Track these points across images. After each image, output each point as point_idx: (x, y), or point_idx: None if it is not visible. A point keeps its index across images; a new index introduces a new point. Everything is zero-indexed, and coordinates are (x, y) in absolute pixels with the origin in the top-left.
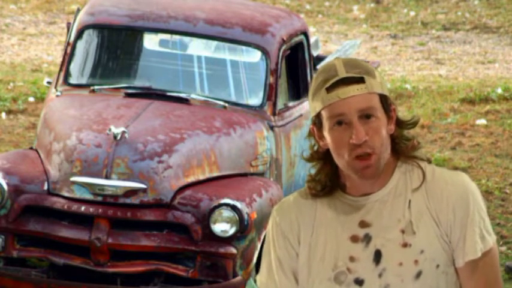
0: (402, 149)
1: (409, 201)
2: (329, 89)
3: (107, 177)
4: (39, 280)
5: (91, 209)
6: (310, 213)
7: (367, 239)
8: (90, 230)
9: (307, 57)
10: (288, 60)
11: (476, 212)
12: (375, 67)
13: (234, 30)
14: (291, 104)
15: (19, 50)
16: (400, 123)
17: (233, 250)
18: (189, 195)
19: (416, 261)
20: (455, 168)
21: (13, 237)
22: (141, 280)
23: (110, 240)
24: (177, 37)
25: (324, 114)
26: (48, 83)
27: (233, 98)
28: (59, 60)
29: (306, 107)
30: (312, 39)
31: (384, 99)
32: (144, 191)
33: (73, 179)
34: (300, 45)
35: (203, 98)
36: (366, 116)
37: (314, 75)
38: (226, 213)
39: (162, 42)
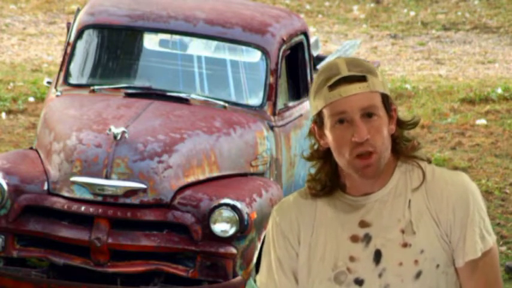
0: (402, 149)
1: (409, 201)
2: (331, 87)
3: (107, 177)
4: (39, 280)
5: (91, 209)
6: (310, 213)
7: (367, 239)
8: (90, 230)
9: (307, 57)
10: (288, 60)
11: (476, 212)
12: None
13: (234, 30)
14: (291, 104)
15: (19, 50)
16: (401, 124)
17: (233, 250)
18: (189, 195)
19: (416, 261)
20: (455, 168)
21: (13, 237)
22: (141, 280)
23: (110, 240)
24: (177, 37)
25: (325, 112)
26: (48, 83)
27: (233, 98)
28: (59, 60)
29: (306, 107)
30: (312, 39)
31: (385, 99)
32: (144, 191)
33: (73, 179)
34: (300, 45)
35: (203, 98)
36: (367, 114)
37: (316, 74)
38: (226, 213)
39: (162, 42)
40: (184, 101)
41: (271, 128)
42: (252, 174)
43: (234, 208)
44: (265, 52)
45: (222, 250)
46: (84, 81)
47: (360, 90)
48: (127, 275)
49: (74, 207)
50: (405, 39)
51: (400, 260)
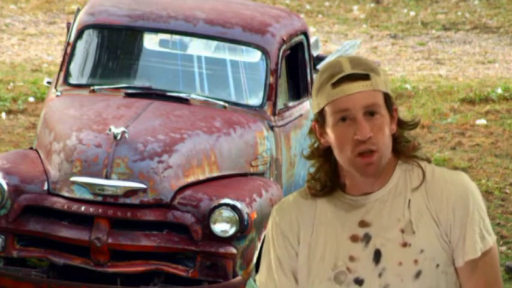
0: (403, 149)
1: (409, 200)
2: (334, 85)
3: (107, 177)
4: (39, 280)
5: (91, 209)
6: (310, 213)
7: (367, 238)
8: (90, 230)
9: (307, 57)
10: (288, 60)
11: (476, 212)
12: None
13: (234, 30)
14: (291, 104)
15: (19, 50)
16: (402, 124)
17: (233, 250)
18: (189, 195)
19: (416, 261)
20: (455, 168)
21: (13, 237)
22: (141, 280)
23: (110, 240)
24: (177, 37)
25: (328, 110)
26: (48, 83)
27: (233, 98)
28: (59, 60)
29: (306, 107)
30: (312, 39)
31: (387, 98)
32: (144, 191)
33: (73, 179)
34: (300, 45)
35: (203, 98)
36: (370, 113)
37: (318, 72)
38: (226, 213)
39: (162, 42)
40: (184, 101)
41: (271, 128)
42: (252, 174)
43: (234, 208)
44: (265, 52)
45: (222, 250)
46: (84, 81)
47: (363, 89)
48: (127, 275)
49: (74, 207)
50: (405, 39)
51: (400, 259)
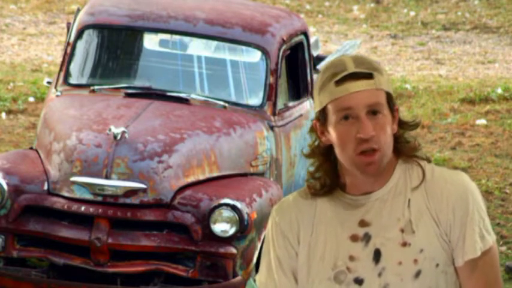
0: (403, 149)
1: (409, 200)
2: (338, 83)
3: (107, 177)
4: (39, 280)
5: (91, 209)
6: (310, 213)
7: (367, 238)
8: (90, 230)
9: (307, 57)
10: (288, 60)
11: (476, 211)
12: None
13: (234, 30)
14: (291, 104)
15: (19, 50)
16: (402, 124)
17: (233, 250)
18: (189, 195)
19: (415, 261)
20: (455, 168)
21: (13, 237)
22: (141, 280)
23: (110, 240)
24: (177, 37)
25: (330, 108)
26: (48, 83)
27: (233, 98)
28: (59, 60)
29: (306, 107)
30: (312, 39)
31: (389, 98)
32: (144, 191)
33: (73, 179)
34: (300, 45)
35: (203, 98)
36: (372, 112)
37: (321, 71)
38: (226, 213)
39: (162, 42)
40: (184, 101)
41: (271, 128)
42: (252, 174)
43: (234, 208)
44: (265, 52)
45: (222, 250)
46: (84, 81)
47: (367, 87)
48: (127, 275)
49: (74, 207)
50: (405, 39)
51: (400, 259)
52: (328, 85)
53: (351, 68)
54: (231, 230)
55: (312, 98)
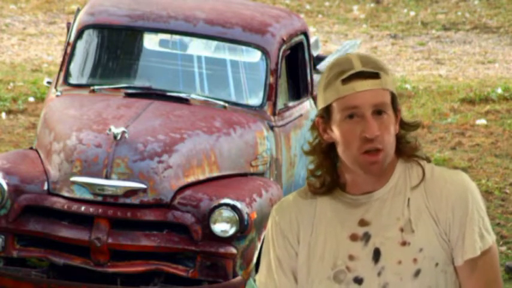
0: (404, 149)
1: (408, 199)
2: (345, 81)
3: (107, 177)
4: (39, 280)
5: (91, 209)
6: (310, 213)
7: (366, 237)
8: (90, 230)
9: (307, 57)
10: (288, 60)
11: (476, 211)
12: None
13: (234, 30)
14: (291, 104)
15: (19, 50)
16: (404, 125)
17: (233, 250)
18: (189, 195)
19: (415, 260)
20: (455, 168)
21: (13, 237)
22: (141, 280)
23: (110, 240)
24: (177, 37)
25: (335, 106)
26: (48, 83)
27: (233, 98)
28: (59, 60)
29: (306, 107)
30: (312, 39)
31: (393, 98)
32: (144, 191)
33: (73, 179)
34: (300, 45)
35: (203, 98)
36: (377, 111)
37: (326, 68)
38: (226, 213)
39: (162, 42)
40: (184, 101)
41: (271, 128)
42: (252, 174)
43: (234, 208)
44: (265, 52)
45: (222, 250)
46: (84, 81)
47: (373, 87)
48: (127, 275)
49: (74, 207)
50: (405, 39)
51: (399, 258)
52: (334, 83)
53: (358, 67)
54: (231, 230)
55: (312, 98)
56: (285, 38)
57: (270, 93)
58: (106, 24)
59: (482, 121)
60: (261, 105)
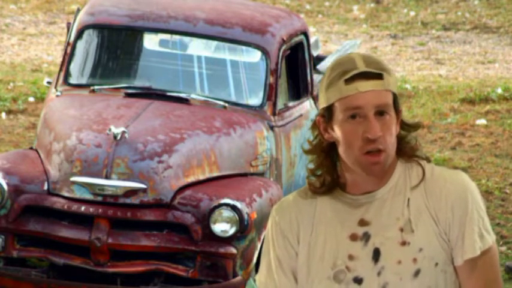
0: (404, 149)
1: (408, 199)
2: (348, 81)
3: (107, 177)
4: (39, 280)
5: (91, 209)
6: (310, 212)
7: (366, 237)
8: (90, 230)
9: (307, 57)
10: (288, 60)
11: (475, 211)
12: None
13: (234, 30)
14: (291, 104)
15: (19, 50)
16: (404, 126)
17: (233, 250)
18: (189, 195)
19: (415, 260)
20: (455, 168)
21: (13, 237)
22: (141, 280)
23: (110, 240)
24: (177, 37)
25: (338, 105)
26: (48, 83)
27: (233, 98)
28: (59, 60)
29: (306, 107)
30: (312, 39)
31: (395, 99)
32: (144, 191)
33: (73, 179)
34: (300, 45)
35: (203, 98)
36: (380, 112)
37: (328, 67)
38: (226, 213)
39: (162, 42)
40: (184, 101)
41: (271, 128)
42: (252, 174)
43: (234, 208)
44: (265, 52)
45: (222, 250)
46: (84, 81)
47: (376, 88)
48: (127, 275)
49: (74, 207)
50: (405, 39)
51: (399, 258)
52: (337, 83)
53: (362, 67)
54: (231, 230)
55: (312, 98)
56: (285, 38)
57: (270, 93)
58: (106, 24)
59: (482, 121)
60: (261, 105)
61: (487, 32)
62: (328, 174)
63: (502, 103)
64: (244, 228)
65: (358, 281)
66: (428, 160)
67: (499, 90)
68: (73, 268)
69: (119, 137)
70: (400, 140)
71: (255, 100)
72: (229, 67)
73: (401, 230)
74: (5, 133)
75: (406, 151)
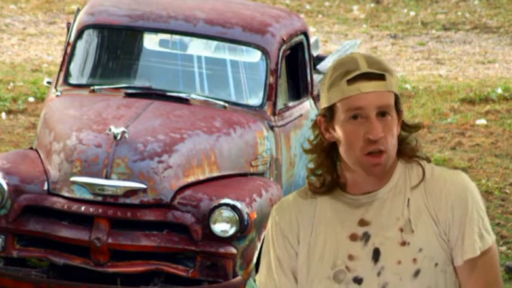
0: (405, 150)
1: (408, 199)
2: (350, 82)
3: (107, 177)
4: (39, 280)
5: (91, 209)
6: (310, 212)
7: (366, 237)
8: (90, 230)
9: (307, 57)
10: (288, 60)
11: (475, 211)
12: None
13: (234, 30)
14: (291, 104)
15: (19, 50)
16: (405, 126)
17: (233, 250)
18: (189, 195)
19: (414, 260)
20: (455, 168)
21: (13, 237)
22: (141, 280)
23: (110, 240)
24: (177, 37)
25: (340, 106)
26: (48, 83)
27: (233, 98)
28: (59, 60)
29: (306, 107)
30: (312, 39)
31: (397, 99)
32: (144, 191)
33: (73, 179)
34: (300, 45)
35: (203, 98)
36: (382, 113)
37: (330, 67)
38: (226, 213)
39: (162, 42)
40: (184, 101)
41: (271, 128)
42: (252, 174)
43: (234, 208)
44: (265, 52)
45: (222, 250)
46: (84, 81)
47: (378, 89)
48: (127, 275)
49: (74, 207)
50: (405, 39)
51: (399, 258)
52: (340, 83)
53: (364, 68)
54: (231, 230)
55: (312, 98)
56: (285, 38)
57: (270, 93)
58: (106, 24)
59: (482, 121)
60: (261, 105)
61: (487, 32)
62: (328, 174)
63: (502, 103)
64: (244, 228)
65: (358, 281)
66: (428, 160)
67: (499, 90)
68: (73, 268)
69: (119, 137)
70: (401, 140)
71: (255, 100)
72: (229, 67)
73: (401, 230)
74: (5, 133)
75: (406, 152)
